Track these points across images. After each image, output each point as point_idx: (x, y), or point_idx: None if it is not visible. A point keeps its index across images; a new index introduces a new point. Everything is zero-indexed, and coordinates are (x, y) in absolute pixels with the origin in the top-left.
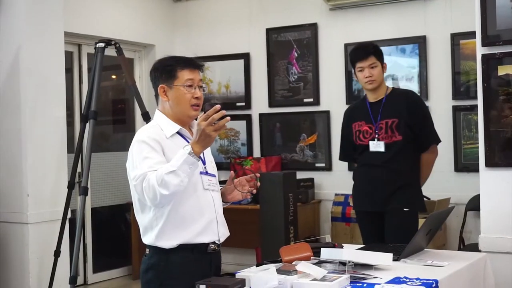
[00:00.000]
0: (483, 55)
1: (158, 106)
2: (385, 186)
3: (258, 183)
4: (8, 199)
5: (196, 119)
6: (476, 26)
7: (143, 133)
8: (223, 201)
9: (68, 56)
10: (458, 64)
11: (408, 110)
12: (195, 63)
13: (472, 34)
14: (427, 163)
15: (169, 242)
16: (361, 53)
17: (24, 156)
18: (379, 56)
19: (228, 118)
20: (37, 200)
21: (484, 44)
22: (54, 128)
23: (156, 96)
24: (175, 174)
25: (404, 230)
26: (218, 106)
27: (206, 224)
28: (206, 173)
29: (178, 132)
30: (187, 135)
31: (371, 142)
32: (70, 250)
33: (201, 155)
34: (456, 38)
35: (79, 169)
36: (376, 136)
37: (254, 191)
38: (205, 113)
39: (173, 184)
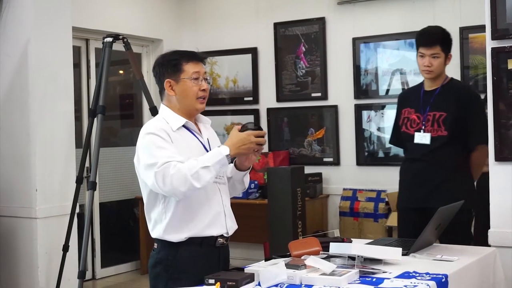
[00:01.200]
0: (492, 49)
1: (163, 101)
2: (427, 182)
3: (264, 139)
4: (16, 194)
5: (202, 114)
6: (485, 19)
7: (150, 126)
8: (241, 169)
9: (76, 51)
10: (467, 58)
11: (458, 105)
12: (199, 56)
13: (480, 28)
14: (474, 164)
15: (177, 236)
16: (426, 39)
17: (32, 151)
18: (446, 47)
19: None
20: (45, 195)
21: (493, 37)
22: (62, 123)
23: (161, 91)
24: (209, 170)
25: (457, 229)
26: (264, 132)
27: (214, 217)
28: None
29: (184, 126)
30: (193, 129)
31: (416, 133)
32: (79, 245)
33: (208, 147)
34: (465, 32)
35: (87, 164)
36: (423, 127)
37: (263, 143)
38: (242, 129)
39: (205, 180)
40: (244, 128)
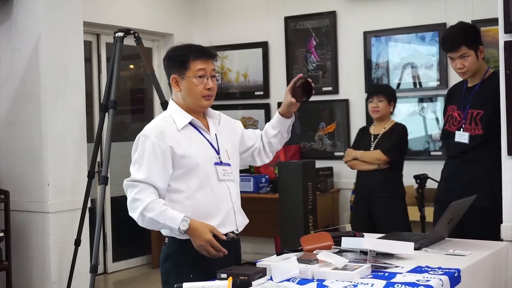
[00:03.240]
0: (505, 42)
1: (172, 95)
2: (461, 177)
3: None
4: (29, 189)
5: (211, 108)
6: (498, 12)
7: (153, 128)
8: (287, 117)
9: (87, 45)
10: None
11: (494, 102)
12: (208, 53)
13: (492, 21)
14: None
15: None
16: (449, 44)
17: (44, 146)
18: (472, 43)
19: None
20: (57, 189)
21: (506, 31)
22: (73, 118)
23: (170, 84)
24: (157, 224)
25: (481, 227)
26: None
27: (224, 216)
28: (221, 163)
29: (190, 123)
30: (200, 125)
31: (457, 132)
32: (90, 239)
33: (215, 144)
34: (477, 25)
35: (98, 159)
36: (463, 126)
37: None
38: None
39: (149, 226)
40: (299, 79)
